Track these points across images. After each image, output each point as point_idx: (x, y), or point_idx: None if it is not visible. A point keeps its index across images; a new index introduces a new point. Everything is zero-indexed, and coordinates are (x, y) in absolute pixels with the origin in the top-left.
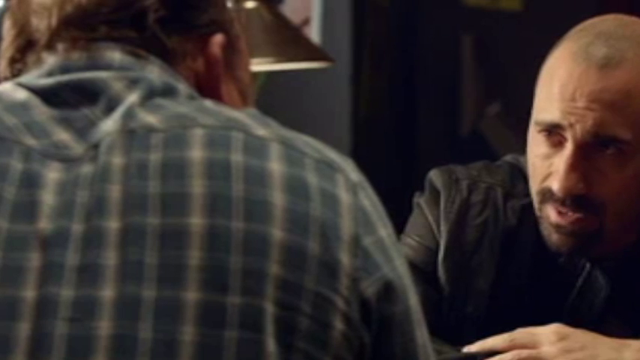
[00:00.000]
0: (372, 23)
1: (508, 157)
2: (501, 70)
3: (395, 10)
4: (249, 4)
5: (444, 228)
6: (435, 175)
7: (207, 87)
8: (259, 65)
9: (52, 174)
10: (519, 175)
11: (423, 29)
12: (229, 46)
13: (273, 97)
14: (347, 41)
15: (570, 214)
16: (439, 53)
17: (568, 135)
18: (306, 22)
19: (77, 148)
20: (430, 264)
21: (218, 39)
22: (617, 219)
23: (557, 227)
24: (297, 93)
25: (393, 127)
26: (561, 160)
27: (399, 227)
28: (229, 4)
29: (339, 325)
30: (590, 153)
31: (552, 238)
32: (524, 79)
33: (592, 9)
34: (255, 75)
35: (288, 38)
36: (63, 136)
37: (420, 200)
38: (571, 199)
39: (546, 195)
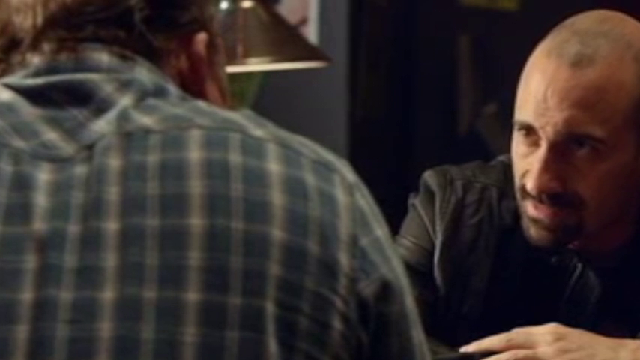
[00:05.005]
0: (369, 23)
1: (502, 157)
2: (498, 70)
3: (392, 9)
4: (246, 4)
5: (439, 228)
6: (429, 176)
7: (191, 85)
8: (256, 65)
9: (44, 175)
10: (513, 174)
11: (420, 29)
12: (211, 45)
13: (270, 97)
14: (344, 41)
15: (548, 209)
16: (436, 53)
17: (542, 134)
18: (304, 21)
19: (67, 148)
20: (426, 264)
21: (202, 37)
22: (598, 215)
23: (535, 221)
24: (295, 93)
25: (390, 126)
26: (535, 159)
27: (396, 228)
28: (225, 4)
29: (337, 325)
30: (564, 151)
31: (531, 232)
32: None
33: (588, 9)
34: (253, 75)
35: (285, 38)
36: (51, 135)
37: (415, 201)
38: (547, 197)
39: (524, 193)
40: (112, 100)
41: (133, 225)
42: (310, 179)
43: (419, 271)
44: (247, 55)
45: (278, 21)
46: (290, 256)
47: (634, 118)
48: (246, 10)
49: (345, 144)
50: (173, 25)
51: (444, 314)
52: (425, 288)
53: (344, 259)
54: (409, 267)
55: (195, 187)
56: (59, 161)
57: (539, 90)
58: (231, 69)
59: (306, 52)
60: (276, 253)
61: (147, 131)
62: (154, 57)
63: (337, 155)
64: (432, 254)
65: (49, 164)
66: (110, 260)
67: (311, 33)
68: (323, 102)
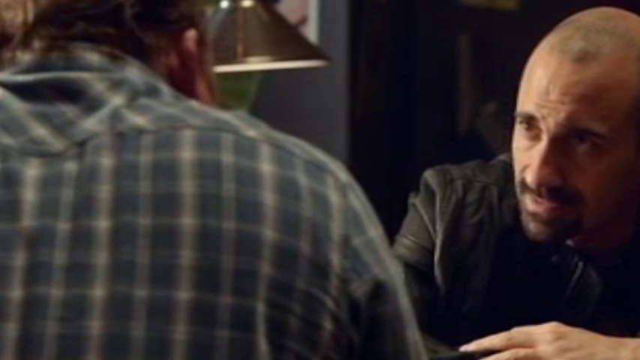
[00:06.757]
0: (369, 22)
1: (502, 156)
2: (498, 69)
3: (392, 8)
4: (246, 3)
5: (439, 227)
6: (429, 176)
7: (181, 83)
8: (256, 64)
9: (32, 170)
10: (513, 173)
11: (420, 28)
12: (200, 42)
13: (270, 96)
14: (344, 40)
15: (546, 203)
16: (436, 52)
17: (543, 127)
18: (303, 20)
19: (56, 144)
20: (426, 264)
21: (192, 34)
22: (597, 212)
23: (534, 215)
24: (294, 92)
25: (390, 126)
26: (536, 152)
27: (396, 227)
28: (225, 4)
29: (328, 325)
30: (565, 146)
31: (530, 226)
32: (521, 78)
33: (587, 8)
34: (253, 74)
35: (285, 37)
36: (40, 131)
37: (416, 200)
38: (546, 191)
39: (524, 186)
40: (102, 99)
41: (124, 223)
42: (303, 179)
43: (419, 271)
44: (247, 54)
45: (278, 20)
46: (281, 256)
47: (635, 115)
48: (246, 10)
49: (344, 143)
50: (163, 21)
51: (444, 313)
52: (425, 287)
53: (335, 259)
54: (409, 266)
55: (188, 186)
56: (48, 156)
57: (542, 84)
58: (231, 68)
59: (306, 51)
60: (268, 253)
61: (140, 131)
62: (144, 55)
63: (337, 155)
64: (432, 253)
65: (38, 159)
66: (101, 258)
67: (311, 32)
68: (323, 101)
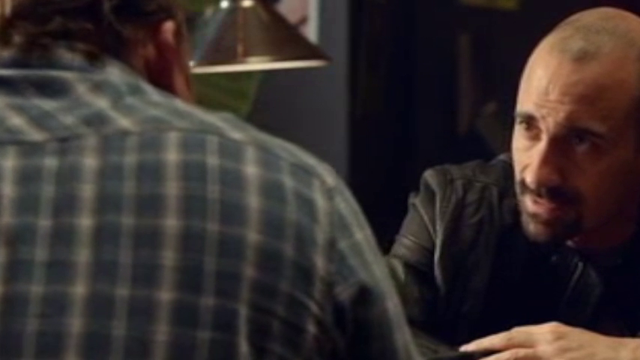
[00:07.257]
0: (368, 22)
1: (502, 156)
2: (498, 69)
3: (392, 8)
4: (247, 3)
5: (439, 227)
6: (429, 176)
7: (158, 74)
8: (256, 64)
9: (9, 162)
10: (513, 173)
11: (420, 28)
12: (177, 34)
13: (270, 96)
14: (344, 40)
15: (546, 203)
16: (436, 52)
17: (542, 127)
18: (303, 20)
19: (34, 134)
20: (426, 264)
21: (169, 26)
22: (597, 212)
23: (534, 216)
24: (294, 92)
25: (390, 125)
26: (536, 152)
27: (396, 227)
28: (225, 3)
29: (311, 328)
30: (565, 145)
31: (529, 227)
32: (521, 78)
33: (588, 8)
34: (253, 74)
35: (285, 37)
36: (16, 121)
37: (416, 200)
38: (546, 191)
39: (524, 186)
40: (85, 99)
41: (107, 222)
42: (289, 182)
43: (419, 270)
44: (247, 54)
45: (278, 20)
46: (265, 259)
47: (635, 115)
48: (246, 10)
49: (344, 143)
50: (141, 13)
51: (444, 313)
52: (425, 287)
53: (320, 262)
54: (409, 266)
55: (172, 188)
56: (25, 144)
57: (542, 84)
58: (231, 68)
59: (306, 51)
60: (252, 256)
61: (125, 133)
62: (122, 48)
63: (337, 155)
64: (432, 253)
65: (14, 147)
66: (82, 256)
67: (311, 32)
68: (323, 101)
